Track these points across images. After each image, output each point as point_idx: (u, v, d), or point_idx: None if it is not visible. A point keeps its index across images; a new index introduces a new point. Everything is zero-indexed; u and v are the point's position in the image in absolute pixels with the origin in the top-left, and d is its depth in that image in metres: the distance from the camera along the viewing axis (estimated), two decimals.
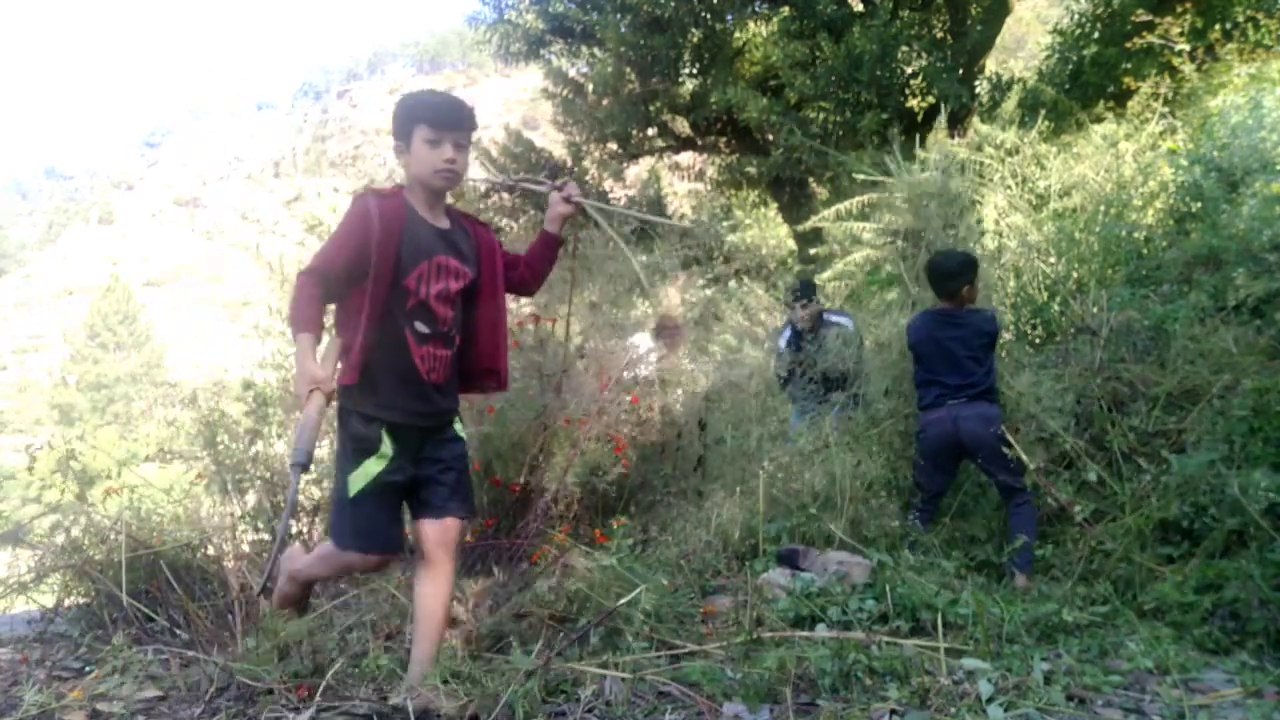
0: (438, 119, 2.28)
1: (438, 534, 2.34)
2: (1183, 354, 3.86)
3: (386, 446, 2.22)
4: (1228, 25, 7.35)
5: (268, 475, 4.21)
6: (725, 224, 13.81)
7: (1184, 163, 5.39)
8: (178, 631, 3.29)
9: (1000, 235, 6.10)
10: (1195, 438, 3.44)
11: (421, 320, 2.26)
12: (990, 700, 2.15)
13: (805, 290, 5.42)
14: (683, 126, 12.44)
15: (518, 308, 4.32)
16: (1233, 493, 2.75)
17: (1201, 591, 2.70)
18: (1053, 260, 5.65)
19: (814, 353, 5.06)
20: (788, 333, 5.49)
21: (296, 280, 2.16)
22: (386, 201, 2.23)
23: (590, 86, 12.11)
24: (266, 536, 4.08)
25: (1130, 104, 6.97)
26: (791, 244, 12.77)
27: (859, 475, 3.75)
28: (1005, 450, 3.47)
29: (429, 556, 2.34)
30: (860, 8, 9.99)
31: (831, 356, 4.91)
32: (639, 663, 2.52)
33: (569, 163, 12.61)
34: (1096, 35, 8.97)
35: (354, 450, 2.21)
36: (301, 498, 4.27)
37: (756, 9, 11.02)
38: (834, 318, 5.41)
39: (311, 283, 2.14)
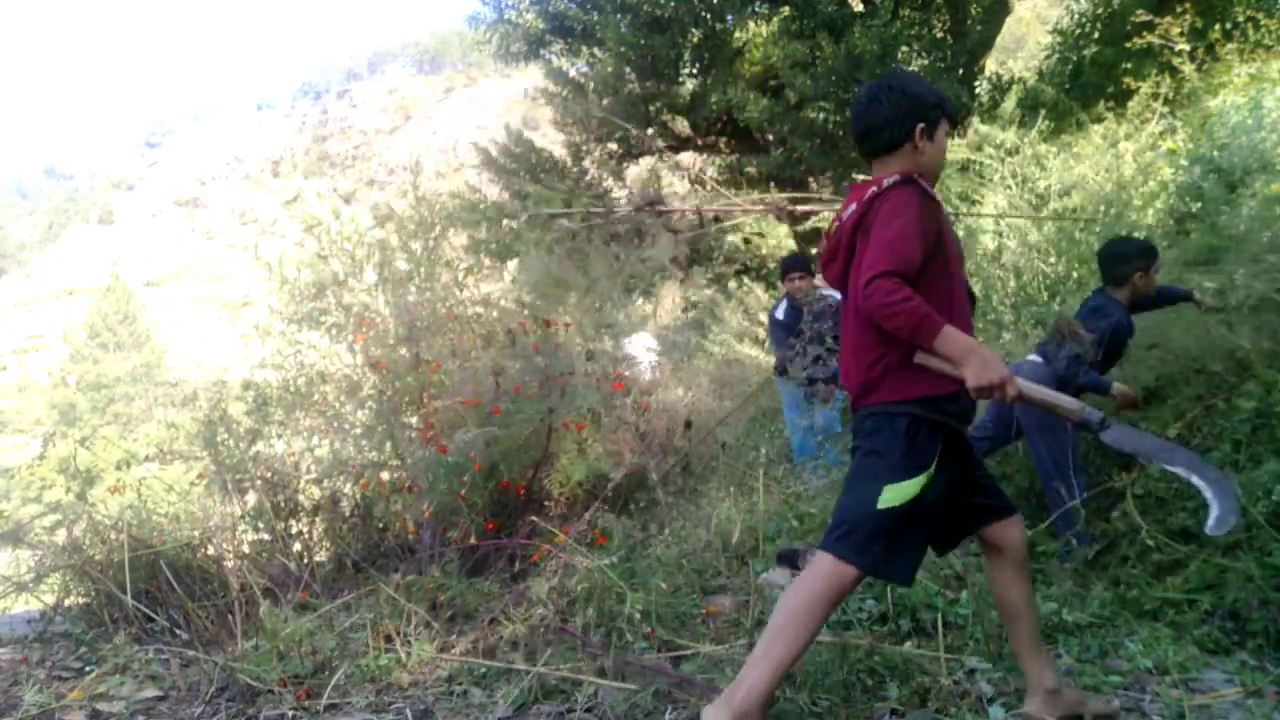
0: (953, 120, 2.11)
1: (1018, 532, 2.07)
2: (1183, 354, 3.85)
3: (934, 467, 1.92)
4: (1228, 25, 7.34)
5: (268, 475, 4.21)
6: (725, 224, 13.80)
7: (1184, 163, 5.39)
8: (178, 631, 3.29)
9: (1000, 235, 6.10)
10: (1200, 439, 3.44)
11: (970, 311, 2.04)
12: (991, 700, 2.15)
13: (798, 263, 5.52)
14: (683, 126, 12.44)
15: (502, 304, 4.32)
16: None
17: (1201, 591, 2.70)
18: (1053, 260, 5.65)
19: (810, 324, 5.13)
20: (784, 304, 5.55)
21: (880, 288, 1.83)
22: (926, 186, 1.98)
23: (590, 86, 12.11)
24: (266, 536, 4.08)
25: (1130, 104, 6.97)
26: (791, 244, 12.77)
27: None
28: (1043, 432, 3.43)
29: (1017, 556, 2.06)
30: (860, 8, 9.98)
31: (829, 325, 4.99)
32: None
33: (568, 162, 12.60)
34: (1097, 35, 8.96)
35: (904, 460, 1.90)
36: (301, 498, 4.28)
37: (756, 9, 11.01)
38: (828, 292, 5.46)
39: (900, 283, 1.83)
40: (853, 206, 2.01)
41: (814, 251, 9.72)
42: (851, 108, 2.15)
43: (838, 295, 5.62)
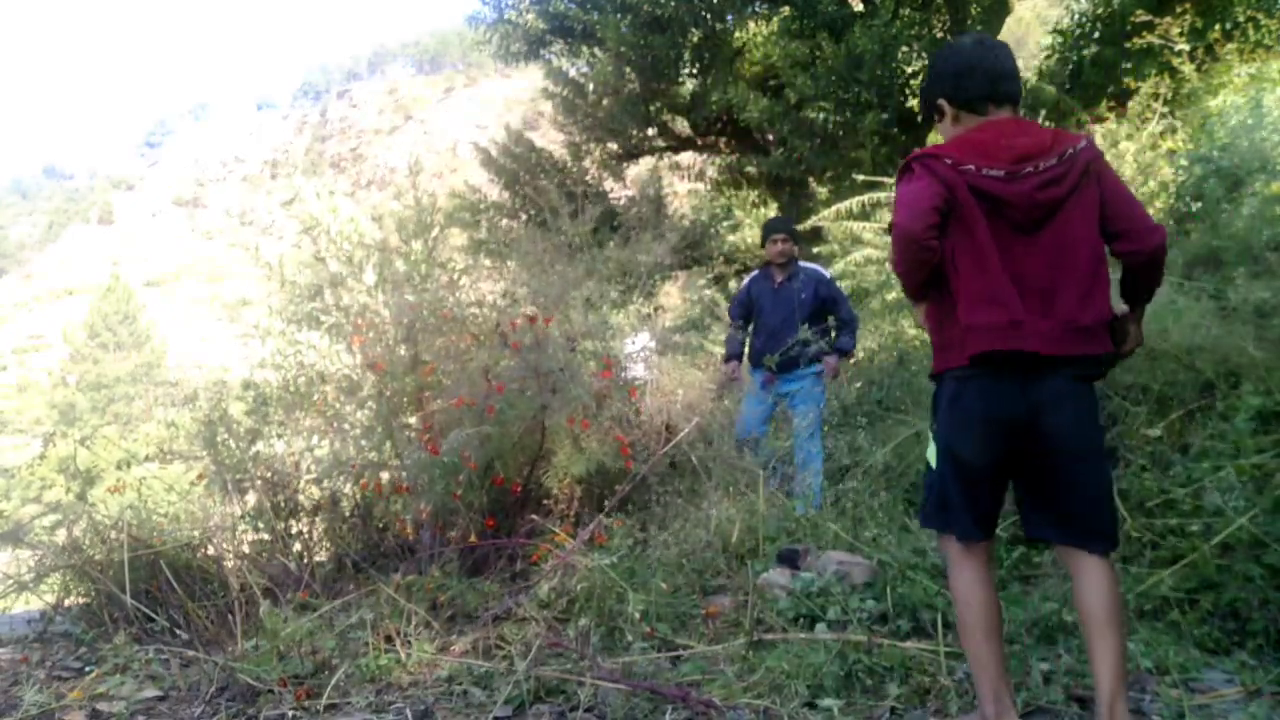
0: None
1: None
2: (1184, 355, 3.84)
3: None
4: (1228, 25, 7.34)
5: (268, 475, 4.21)
6: (725, 224, 13.80)
7: (1184, 163, 5.39)
8: (178, 631, 3.29)
9: None
10: (1199, 441, 3.43)
11: None
12: None
13: (782, 224, 5.15)
14: (683, 126, 12.42)
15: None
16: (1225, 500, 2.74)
17: (1201, 591, 2.69)
18: None
19: (785, 290, 4.84)
20: (755, 274, 5.20)
21: (1164, 236, 1.95)
22: None
23: (590, 86, 12.10)
24: (266, 536, 4.08)
25: (1130, 104, 6.97)
26: None
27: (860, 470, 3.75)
28: None
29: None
30: (860, 8, 9.98)
31: (804, 297, 4.76)
32: (638, 664, 2.52)
33: (568, 162, 12.61)
34: (1097, 35, 8.96)
35: None
36: (301, 498, 4.28)
37: (756, 9, 11.01)
38: (809, 264, 5.13)
39: None
40: (1052, 161, 1.91)
41: (814, 251, 9.72)
42: (998, 52, 2.06)
43: (822, 270, 5.18)
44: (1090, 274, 1.91)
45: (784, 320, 4.77)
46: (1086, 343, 1.90)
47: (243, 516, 4.08)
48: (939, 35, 9.91)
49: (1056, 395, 1.90)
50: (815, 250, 9.78)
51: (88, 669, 2.98)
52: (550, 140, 14.13)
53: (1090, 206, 1.91)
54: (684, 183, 13.72)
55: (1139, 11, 7.25)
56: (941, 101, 2.06)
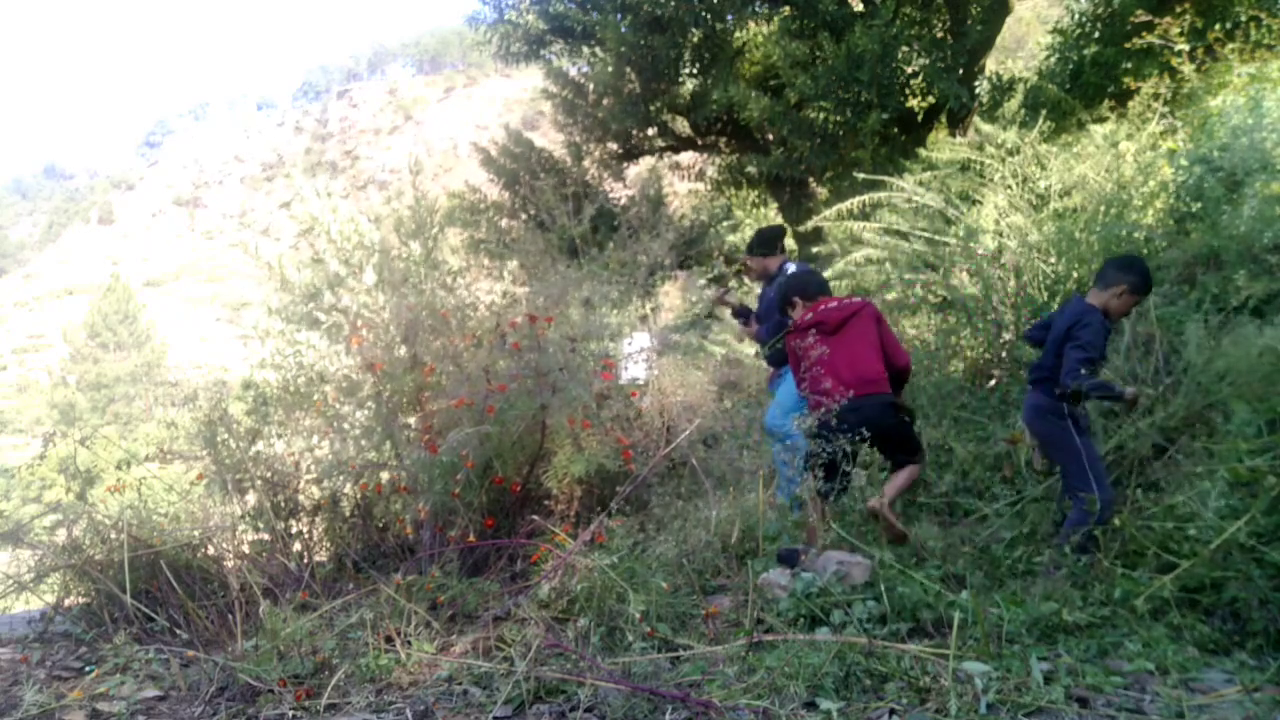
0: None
1: None
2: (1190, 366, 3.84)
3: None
4: (1228, 25, 7.34)
5: (268, 475, 4.21)
6: (725, 224, 13.80)
7: (1184, 163, 5.39)
8: (178, 631, 3.29)
9: (1000, 235, 6.10)
10: (1198, 445, 3.43)
11: None
12: (990, 701, 2.15)
13: (761, 242, 5.02)
14: (683, 126, 12.42)
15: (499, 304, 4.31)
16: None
17: (1201, 591, 2.69)
18: (1053, 260, 5.65)
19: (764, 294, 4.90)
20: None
21: None
22: None
23: (590, 86, 12.10)
24: (266, 536, 4.08)
25: (1130, 104, 6.96)
26: (792, 244, 12.75)
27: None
28: (1053, 441, 3.46)
29: None
30: (861, 7, 9.97)
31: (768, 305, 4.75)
32: (638, 664, 2.52)
33: (569, 162, 12.60)
34: (1097, 35, 8.96)
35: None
36: (301, 498, 4.28)
37: (756, 9, 11.00)
38: (793, 267, 4.96)
39: None
40: (833, 304, 3.93)
41: (814, 251, 9.72)
42: (820, 275, 4.12)
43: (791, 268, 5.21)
44: (871, 357, 3.75)
45: (766, 326, 4.87)
46: (877, 388, 3.69)
47: (243, 516, 4.08)
48: (939, 35, 9.91)
49: (874, 412, 3.60)
50: (815, 250, 9.78)
51: (88, 669, 2.98)
52: (550, 140, 14.12)
53: (868, 329, 3.80)
54: (684, 183, 13.71)
55: (1139, 11, 7.25)
56: (795, 299, 4.00)
